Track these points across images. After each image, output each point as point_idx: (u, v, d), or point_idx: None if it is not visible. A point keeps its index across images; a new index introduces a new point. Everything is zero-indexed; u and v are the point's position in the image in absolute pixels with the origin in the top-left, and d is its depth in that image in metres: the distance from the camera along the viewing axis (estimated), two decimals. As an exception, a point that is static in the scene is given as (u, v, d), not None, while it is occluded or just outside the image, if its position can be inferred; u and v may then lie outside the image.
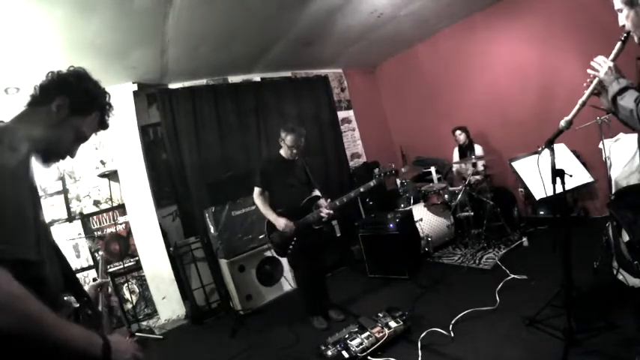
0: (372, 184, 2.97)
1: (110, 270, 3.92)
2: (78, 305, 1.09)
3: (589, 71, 1.49)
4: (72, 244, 3.78)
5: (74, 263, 3.73)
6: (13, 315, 0.70)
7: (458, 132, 4.66)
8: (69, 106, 1.03)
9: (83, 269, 3.79)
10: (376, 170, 3.01)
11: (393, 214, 3.91)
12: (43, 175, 3.74)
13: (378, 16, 4.01)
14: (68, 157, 1.10)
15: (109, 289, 1.31)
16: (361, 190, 2.97)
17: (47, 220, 3.77)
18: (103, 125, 1.16)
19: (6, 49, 2.67)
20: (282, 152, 3.11)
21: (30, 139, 0.92)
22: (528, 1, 4.18)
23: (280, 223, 2.92)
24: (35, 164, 0.95)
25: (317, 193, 3.13)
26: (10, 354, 0.74)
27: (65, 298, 1.05)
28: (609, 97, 1.40)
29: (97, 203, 4.01)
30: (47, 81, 1.05)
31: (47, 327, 0.75)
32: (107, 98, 1.14)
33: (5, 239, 0.75)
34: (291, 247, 2.99)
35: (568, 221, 2.97)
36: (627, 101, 1.31)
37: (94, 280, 1.74)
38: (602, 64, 1.44)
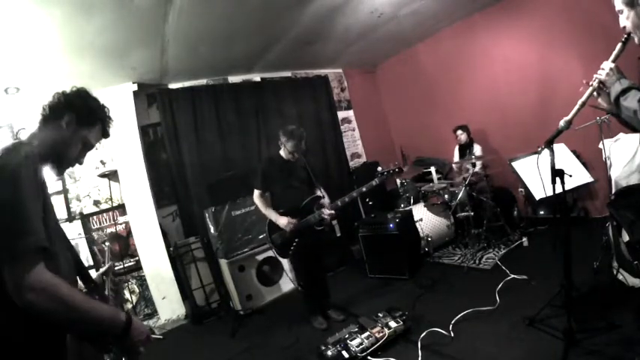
0: (374, 183, 2.93)
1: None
2: (86, 291, 1.27)
3: (595, 76, 1.48)
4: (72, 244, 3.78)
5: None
6: (58, 302, 0.88)
7: (459, 132, 4.67)
8: (76, 121, 1.21)
9: (83, 269, 3.79)
10: (379, 169, 2.98)
11: (393, 214, 3.91)
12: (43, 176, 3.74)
13: (378, 16, 4.01)
14: (77, 165, 1.27)
15: (114, 274, 1.53)
16: (363, 189, 2.94)
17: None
18: (105, 134, 1.34)
19: (6, 49, 2.67)
20: (282, 153, 3.09)
21: (43, 152, 1.10)
22: (528, 1, 4.18)
23: (282, 221, 2.92)
24: (47, 171, 1.12)
25: (319, 193, 3.12)
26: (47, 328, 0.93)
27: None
28: (612, 98, 1.39)
29: (97, 203, 4.01)
30: (55, 101, 1.22)
31: (80, 305, 0.93)
32: (107, 111, 1.33)
33: (31, 231, 0.90)
34: (292, 247, 2.98)
35: (568, 221, 2.96)
36: (630, 102, 1.30)
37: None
38: (604, 67, 1.43)
